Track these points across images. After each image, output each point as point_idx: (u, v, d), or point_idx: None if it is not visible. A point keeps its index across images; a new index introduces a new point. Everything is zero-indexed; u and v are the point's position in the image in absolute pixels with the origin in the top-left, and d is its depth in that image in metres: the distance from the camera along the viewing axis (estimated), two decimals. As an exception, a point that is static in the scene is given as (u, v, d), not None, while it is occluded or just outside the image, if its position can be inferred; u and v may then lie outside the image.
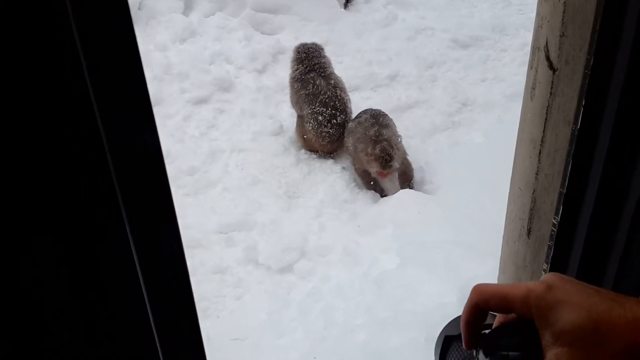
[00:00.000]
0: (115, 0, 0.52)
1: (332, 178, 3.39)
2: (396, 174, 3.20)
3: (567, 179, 0.86)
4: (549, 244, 0.94)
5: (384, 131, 3.15)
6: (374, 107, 3.45)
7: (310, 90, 3.49)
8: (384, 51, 4.45)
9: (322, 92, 3.47)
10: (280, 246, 2.80)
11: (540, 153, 1.06)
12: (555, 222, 0.88)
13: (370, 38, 4.61)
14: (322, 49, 3.70)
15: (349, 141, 3.32)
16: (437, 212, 2.69)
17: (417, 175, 3.36)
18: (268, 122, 3.80)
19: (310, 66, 3.56)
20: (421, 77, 4.21)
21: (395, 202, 2.88)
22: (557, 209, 0.87)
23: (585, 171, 0.85)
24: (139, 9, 4.50)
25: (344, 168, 3.46)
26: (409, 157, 3.29)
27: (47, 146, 0.54)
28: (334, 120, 3.46)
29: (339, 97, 3.50)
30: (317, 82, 3.49)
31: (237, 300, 2.67)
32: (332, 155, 3.57)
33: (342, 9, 5.00)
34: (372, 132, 3.14)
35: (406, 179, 3.22)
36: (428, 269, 2.20)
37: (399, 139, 3.23)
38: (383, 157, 3.03)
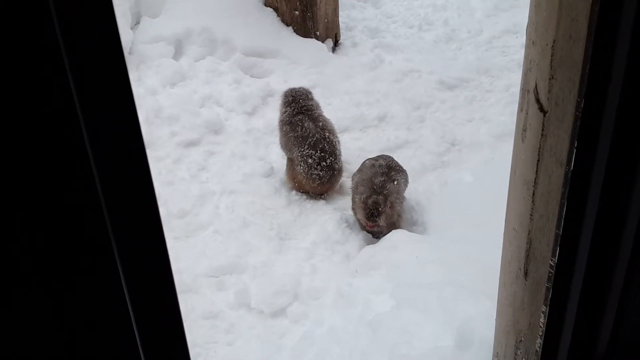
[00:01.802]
0: (110, 49, 0.53)
1: (324, 219, 3.37)
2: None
3: (562, 220, 0.86)
4: (547, 286, 0.94)
5: (389, 185, 3.13)
6: (365, 148, 3.46)
7: (299, 133, 3.52)
8: (372, 93, 4.52)
9: (310, 135, 3.50)
10: (272, 289, 2.77)
11: (534, 194, 1.07)
12: (553, 264, 0.87)
13: (358, 80, 4.69)
14: (309, 92, 3.75)
15: (356, 177, 3.31)
16: (430, 253, 2.68)
17: (408, 216, 3.36)
18: (258, 164, 3.81)
19: (298, 109, 3.60)
20: (409, 118, 4.27)
21: (388, 243, 2.87)
22: (554, 250, 0.87)
23: (580, 212, 0.85)
24: (129, 53, 4.56)
25: (335, 209, 3.46)
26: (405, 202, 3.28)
27: (44, 191, 0.53)
28: (324, 163, 3.47)
29: (328, 139, 3.52)
30: (306, 124, 3.52)
31: (228, 346, 2.61)
32: (323, 196, 3.57)
33: (330, 53, 5.10)
34: (377, 181, 3.12)
35: (392, 228, 3.19)
36: (423, 310, 2.17)
37: (402, 200, 3.20)
38: (372, 210, 3.03)
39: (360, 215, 3.10)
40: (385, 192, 3.07)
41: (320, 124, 3.57)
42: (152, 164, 3.73)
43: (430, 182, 3.67)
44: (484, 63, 5.11)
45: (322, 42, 5.09)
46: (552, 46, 0.92)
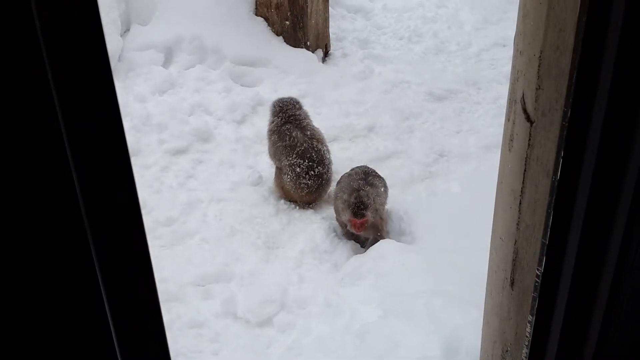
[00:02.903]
0: (95, 54, 0.52)
1: (312, 228, 3.36)
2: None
3: (548, 230, 0.86)
4: (533, 295, 0.94)
5: (368, 188, 3.15)
6: (354, 157, 3.47)
7: (287, 142, 3.51)
8: (362, 103, 4.54)
9: (298, 144, 3.49)
10: (259, 298, 2.75)
11: (520, 204, 1.07)
12: (539, 273, 0.87)
13: (347, 90, 4.70)
14: (298, 102, 3.75)
15: (335, 191, 3.34)
16: (417, 262, 2.68)
17: (396, 226, 3.36)
18: (247, 173, 3.79)
19: (286, 118, 3.60)
20: (398, 129, 4.29)
21: (376, 253, 2.86)
22: (540, 260, 0.87)
23: (566, 221, 0.85)
24: (118, 60, 4.54)
25: (323, 218, 3.45)
26: (386, 211, 3.29)
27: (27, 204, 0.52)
28: (312, 172, 3.47)
29: (316, 149, 3.52)
30: (294, 134, 3.52)
31: (214, 356, 2.58)
32: (311, 205, 3.56)
33: (320, 63, 5.12)
34: (355, 184, 3.15)
35: (376, 232, 3.20)
36: (410, 320, 2.17)
37: (383, 202, 3.21)
38: (357, 204, 3.03)
39: (347, 216, 3.08)
40: (365, 188, 3.09)
41: (309, 133, 3.57)
42: (140, 171, 3.72)
43: (418, 192, 3.68)
44: (472, 75, 5.15)
45: (313, 52, 5.10)
46: (540, 56, 0.93)
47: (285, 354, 2.46)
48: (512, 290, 1.14)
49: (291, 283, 2.90)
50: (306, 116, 3.71)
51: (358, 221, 3.04)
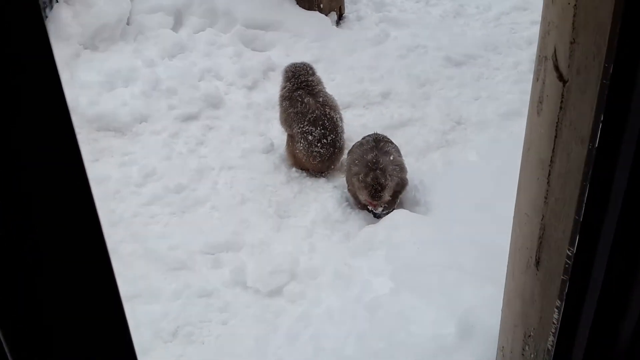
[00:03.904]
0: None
1: (324, 197, 3.29)
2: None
3: (583, 205, 0.76)
4: (562, 278, 0.84)
5: (382, 158, 3.04)
6: (367, 125, 3.36)
7: (299, 108, 3.40)
8: (376, 69, 4.39)
9: (310, 111, 3.38)
10: (269, 268, 2.69)
11: (549, 175, 0.96)
12: (570, 254, 0.78)
13: (362, 55, 4.55)
14: (311, 67, 3.62)
15: (347, 160, 3.24)
16: (432, 234, 2.59)
17: (410, 195, 3.27)
18: (258, 140, 3.71)
19: (298, 84, 3.47)
20: (414, 95, 4.14)
21: (389, 223, 2.78)
22: (572, 239, 0.77)
23: (604, 196, 0.75)
24: (127, 24, 4.42)
25: (335, 187, 3.36)
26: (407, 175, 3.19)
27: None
28: (324, 140, 3.37)
29: (329, 116, 3.41)
30: (305, 100, 3.41)
31: (223, 325, 2.54)
32: (323, 174, 3.47)
33: (334, 27, 4.95)
34: (369, 157, 3.04)
35: (394, 202, 3.11)
36: (423, 295, 2.09)
37: (397, 167, 3.10)
38: (374, 185, 2.94)
39: (364, 196, 3.00)
40: (381, 166, 2.99)
41: (321, 99, 3.45)
42: (149, 137, 3.64)
43: (434, 160, 3.57)
44: (492, 39, 4.95)
45: (326, 15, 4.93)
46: (575, 4, 0.81)
47: (295, 325, 2.41)
48: (538, 270, 1.04)
49: (302, 253, 2.84)
50: (319, 82, 3.58)
51: (375, 204, 2.97)
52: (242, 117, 3.90)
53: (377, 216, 3.08)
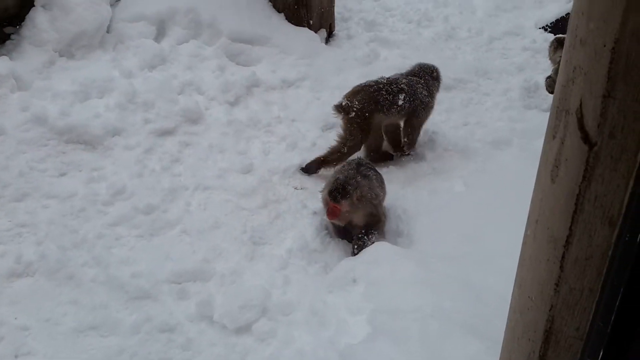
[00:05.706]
0: None
1: (302, 224, 3.11)
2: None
3: (615, 306, 0.58)
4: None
5: (359, 178, 2.89)
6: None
7: None
8: (364, 89, 4.24)
9: None
10: (239, 302, 2.49)
11: (563, 258, 0.77)
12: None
13: (350, 75, 4.41)
14: None
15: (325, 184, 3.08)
16: (414, 271, 2.41)
17: (393, 225, 3.10)
18: (237, 159, 3.52)
19: None
20: (402, 119, 4.00)
21: (369, 257, 2.60)
22: (589, 342, 0.59)
23: (635, 291, 0.58)
24: (107, 32, 4.24)
25: (315, 213, 3.18)
26: (384, 208, 3.04)
27: None
28: None
29: None
30: None
31: (185, 364, 2.34)
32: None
33: (323, 44, 4.82)
34: (344, 175, 2.91)
35: (375, 224, 2.95)
36: (401, 345, 1.91)
37: (377, 195, 2.94)
38: (336, 187, 2.79)
39: (324, 195, 2.88)
40: (354, 181, 2.86)
41: None
42: (121, 152, 3.42)
43: (419, 188, 3.41)
44: (483, 64, 4.86)
45: (316, 32, 4.80)
46: (613, 48, 0.64)
47: (263, 367, 2.22)
48: (541, 367, 0.86)
49: (275, 286, 2.65)
50: None
51: (331, 204, 2.79)
52: (222, 134, 3.72)
53: (358, 250, 2.88)
